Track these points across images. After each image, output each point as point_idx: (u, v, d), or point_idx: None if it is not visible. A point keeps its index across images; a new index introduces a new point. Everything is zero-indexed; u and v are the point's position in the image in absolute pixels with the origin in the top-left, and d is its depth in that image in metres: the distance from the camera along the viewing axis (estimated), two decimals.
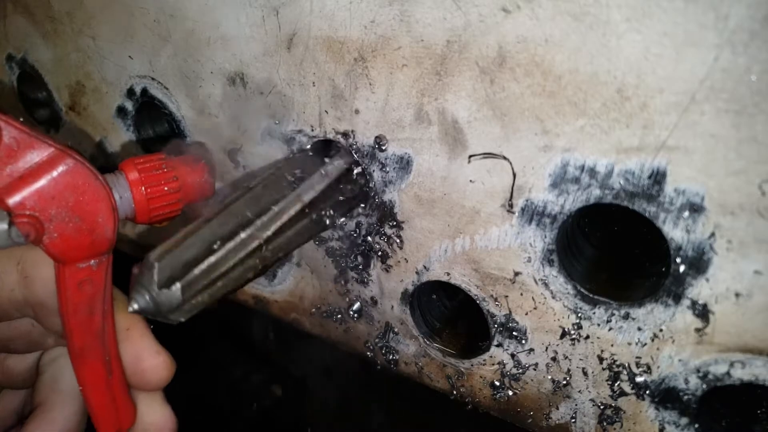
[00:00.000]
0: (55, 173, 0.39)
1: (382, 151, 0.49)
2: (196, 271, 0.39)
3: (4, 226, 0.38)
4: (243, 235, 0.41)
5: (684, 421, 0.44)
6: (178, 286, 0.37)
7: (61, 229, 0.40)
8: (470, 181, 0.46)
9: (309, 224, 0.47)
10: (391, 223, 0.52)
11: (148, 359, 0.46)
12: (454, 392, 0.58)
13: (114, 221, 0.43)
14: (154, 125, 0.72)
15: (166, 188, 0.48)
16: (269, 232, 0.43)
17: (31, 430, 0.45)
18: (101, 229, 0.42)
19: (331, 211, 0.49)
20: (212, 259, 0.40)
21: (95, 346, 0.45)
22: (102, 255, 0.43)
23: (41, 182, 0.39)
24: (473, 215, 0.47)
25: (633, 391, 0.46)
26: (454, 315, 0.60)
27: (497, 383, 0.54)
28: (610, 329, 0.44)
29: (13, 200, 0.38)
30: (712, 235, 0.37)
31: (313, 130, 0.53)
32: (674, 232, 0.38)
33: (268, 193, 0.45)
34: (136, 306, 0.37)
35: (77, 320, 0.43)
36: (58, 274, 0.42)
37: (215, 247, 0.40)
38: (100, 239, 0.42)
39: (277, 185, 0.46)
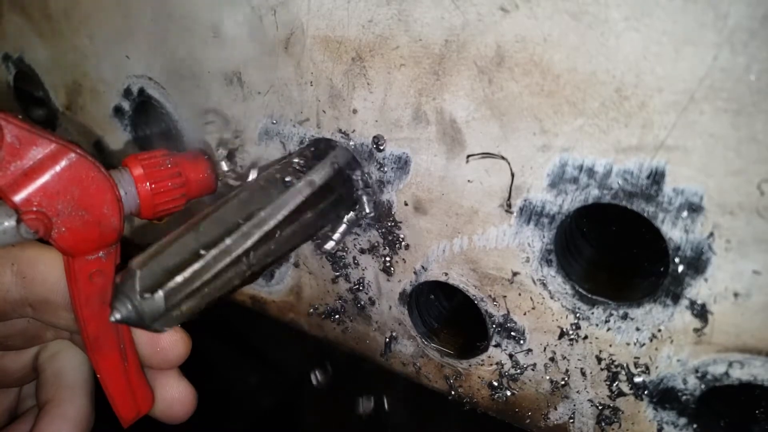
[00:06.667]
0: (58, 168, 0.40)
1: (380, 151, 0.49)
2: (180, 278, 0.37)
3: (13, 223, 0.38)
4: (228, 241, 0.40)
5: (682, 421, 0.44)
6: (160, 294, 0.36)
7: (69, 222, 0.41)
8: (468, 180, 0.45)
9: (299, 229, 0.46)
10: (388, 224, 0.52)
11: (165, 337, 0.48)
12: (453, 393, 0.58)
13: (120, 212, 0.43)
14: (151, 125, 0.71)
15: (170, 184, 0.48)
16: (255, 239, 0.42)
17: (43, 427, 0.45)
18: (108, 220, 0.42)
19: (324, 215, 0.48)
20: (196, 266, 0.38)
21: (109, 335, 0.45)
22: (110, 246, 0.43)
23: (45, 178, 0.39)
24: (471, 215, 0.47)
25: (631, 392, 0.46)
26: (453, 315, 0.60)
27: (495, 383, 0.53)
28: (609, 329, 0.44)
29: (19, 197, 0.39)
30: (711, 234, 0.37)
31: (311, 130, 0.53)
32: (673, 231, 0.38)
33: (256, 198, 0.44)
34: (118, 315, 0.36)
35: (90, 311, 0.44)
36: (67, 267, 0.43)
37: (200, 253, 0.39)
38: (107, 230, 0.43)
39: (266, 189, 0.46)
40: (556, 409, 0.51)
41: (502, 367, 0.52)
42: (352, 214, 0.52)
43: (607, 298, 0.44)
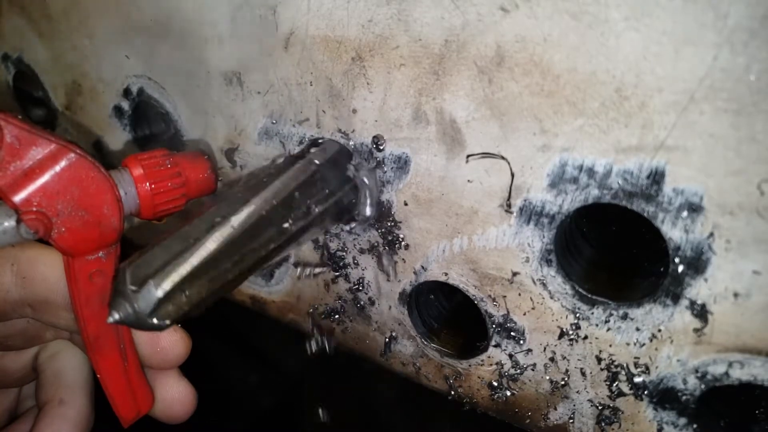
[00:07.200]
0: (58, 168, 0.40)
1: (379, 150, 0.49)
2: (169, 267, 0.37)
3: (13, 223, 0.38)
4: (216, 232, 0.40)
5: (682, 421, 0.44)
6: (151, 283, 0.36)
7: (69, 222, 0.41)
8: (468, 180, 0.45)
9: (290, 224, 0.46)
10: (388, 224, 0.52)
11: (165, 337, 0.48)
12: (452, 393, 0.58)
13: (120, 212, 0.43)
14: (151, 125, 0.71)
15: (170, 184, 0.48)
16: (245, 226, 0.41)
17: (43, 427, 0.45)
18: (107, 220, 0.42)
19: (317, 210, 0.48)
20: (186, 255, 0.38)
21: (109, 335, 0.45)
22: (110, 246, 0.43)
23: (45, 178, 0.39)
24: (471, 215, 0.47)
25: (631, 392, 0.46)
26: (452, 315, 0.60)
27: (495, 384, 0.53)
28: (609, 329, 0.44)
29: (19, 197, 0.39)
30: (711, 235, 0.37)
31: (310, 130, 0.53)
32: (673, 231, 0.38)
33: (256, 198, 0.44)
34: (116, 316, 0.36)
35: (90, 311, 0.44)
36: (67, 267, 0.43)
37: (189, 244, 0.39)
38: (107, 230, 0.43)
39: (265, 189, 0.45)
40: (555, 409, 0.51)
41: (502, 367, 0.52)
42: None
43: (607, 298, 0.44)
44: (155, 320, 0.37)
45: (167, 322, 0.37)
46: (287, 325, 0.69)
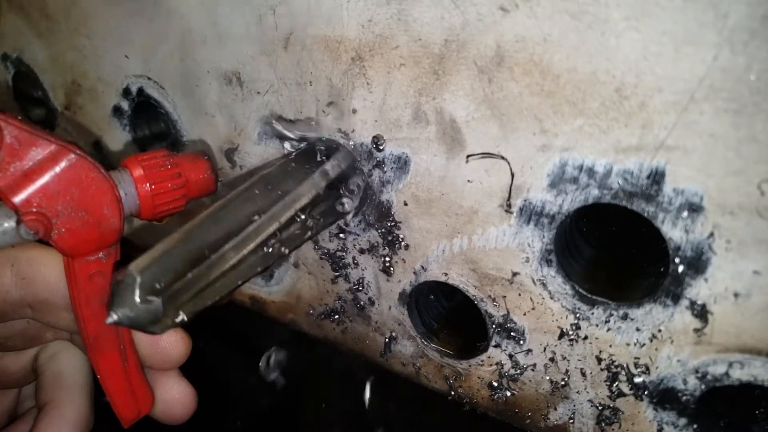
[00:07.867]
0: (58, 169, 0.40)
1: (379, 150, 0.49)
2: (178, 285, 0.37)
3: (13, 224, 0.38)
4: (228, 246, 0.40)
5: (682, 421, 0.44)
6: (158, 301, 0.36)
7: (69, 223, 0.41)
8: (468, 180, 0.45)
9: (299, 232, 0.46)
10: (388, 224, 0.52)
11: (165, 337, 0.48)
12: (452, 393, 0.58)
13: (120, 212, 0.43)
14: (150, 125, 0.71)
15: (170, 185, 0.48)
16: (255, 243, 0.42)
17: (42, 427, 0.45)
18: (107, 221, 0.43)
19: (321, 218, 0.48)
20: (195, 272, 0.38)
21: (109, 335, 0.46)
22: (110, 246, 0.44)
23: (45, 179, 0.39)
24: (471, 215, 0.47)
25: (631, 392, 0.45)
26: (452, 315, 0.60)
27: (495, 384, 0.53)
28: (609, 330, 0.44)
29: (19, 198, 0.39)
30: (711, 235, 0.37)
31: (310, 130, 0.53)
32: (673, 232, 0.38)
33: (257, 199, 0.44)
34: (115, 317, 0.36)
35: (90, 312, 0.44)
36: (67, 268, 0.43)
37: (199, 259, 0.39)
38: (107, 231, 0.43)
39: (267, 190, 0.45)
40: (556, 409, 0.51)
41: (502, 368, 0.52)
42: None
43: (607, 298, 0.44)
44: (155, 329, 0.37)
45: (162, 332, 0.37)
46: (287, 325, 0.69)
